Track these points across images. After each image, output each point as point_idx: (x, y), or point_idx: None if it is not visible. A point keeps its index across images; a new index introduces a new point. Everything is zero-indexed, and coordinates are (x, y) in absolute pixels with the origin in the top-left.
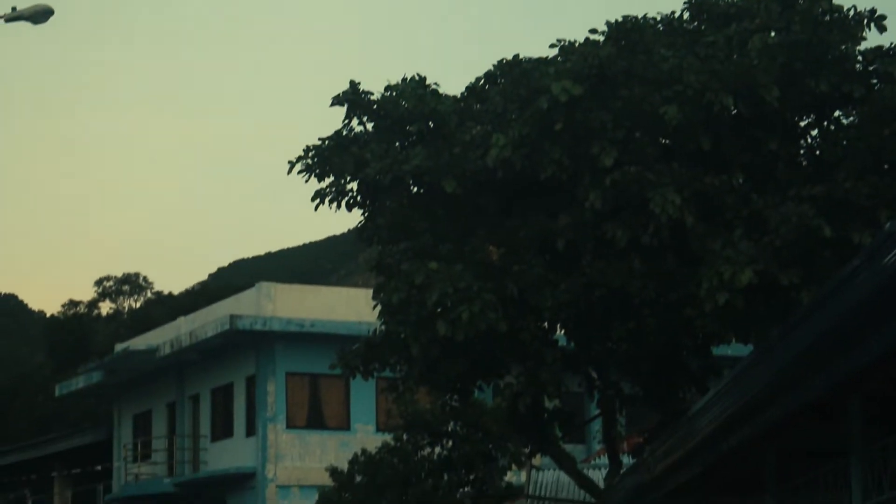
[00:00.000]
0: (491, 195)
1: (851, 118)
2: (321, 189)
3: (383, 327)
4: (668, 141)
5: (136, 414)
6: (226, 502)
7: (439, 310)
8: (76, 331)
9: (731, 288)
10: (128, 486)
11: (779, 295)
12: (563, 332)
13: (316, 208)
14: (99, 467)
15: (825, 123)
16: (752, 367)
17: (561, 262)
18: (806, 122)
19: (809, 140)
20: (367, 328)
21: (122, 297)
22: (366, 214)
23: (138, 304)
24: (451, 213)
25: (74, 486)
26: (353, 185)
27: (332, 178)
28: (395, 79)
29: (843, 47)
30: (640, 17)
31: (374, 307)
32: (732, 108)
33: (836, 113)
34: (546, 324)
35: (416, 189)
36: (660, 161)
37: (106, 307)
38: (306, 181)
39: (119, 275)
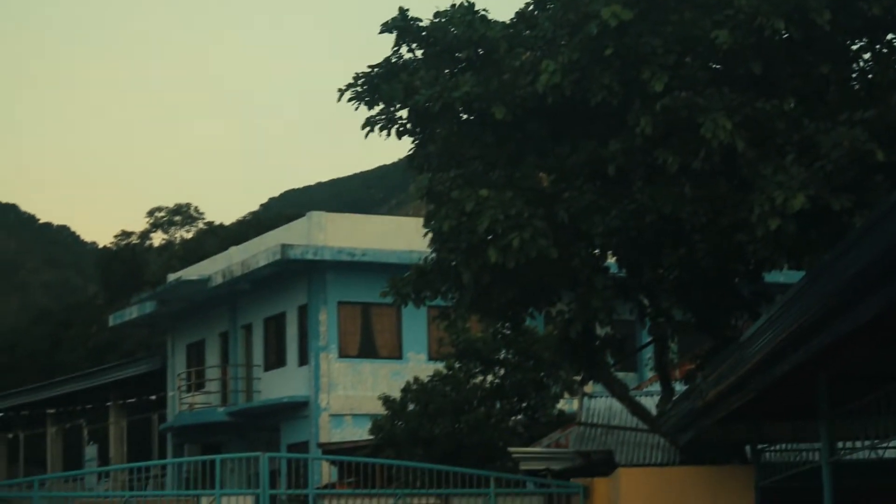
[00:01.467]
0: (541, 121)
1: None
2: (371, 117)
3: (434, 255)
4: (718, 66)
5: (189, 344)
6: (279, 431)
7: (490, 237)
8: (129, 261)
9: (783, 213)
10: (182, 416)
11: (831, 220)
12: (614, 258)
13: (366, 136)
14: (153, 397)
15: (877, 47)
16: (803, 292)
17: (612, 188)
18: (858, 45)
19: (861, 64)
20: (418, 257)
21: (173, 228)
22: (416, 142)
23: (190, 235)
24: (501, 140)
25: (129, 416)
26: (403, 113)
27: (381, 106)
28: (444, 6)
29: None
30: None
31: (425, 235)
32: (783, 31)
33: (889, 36)
34: (597, 250)
35: (465, 116)
36: (710, 86)
37: (158, 238)
38: (356, 109)
39: (171, 205)
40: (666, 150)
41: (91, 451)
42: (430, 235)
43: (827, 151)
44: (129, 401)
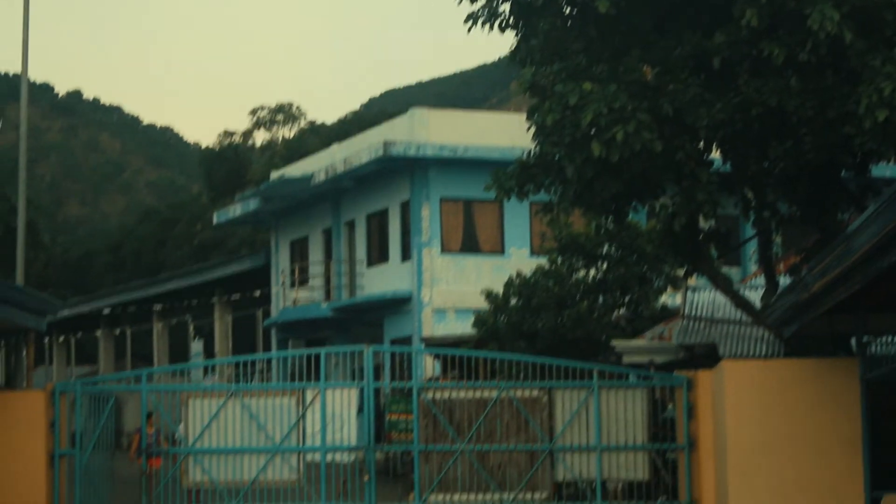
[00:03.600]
0: (645, 14)
1: None
2: (473, 11)
3: (537, 149)
4: None
5: (292, 240)
6: (383, 326)
7: (594, 130)
8: (232, 160)
9: (891, 104)
10: (286, 311)
11: None
12: (718, 151)
13: (469, 30)
14: (257, 293)
15: None
16: None
17: (717, 81)
18: None
19: None
20: (520, 153)
21: (276, 127)
22: (518, 36)
23: (292, 134)
24: (605, 33)
25: (234, 312)
26: (506, 7)
27: (484, 1)
28: None
29: None
30: None
31: (528, 129)
32: None
33: None
34: (702, 143)
35: (569, 9)
36: None
37: (260, 137)
38: (459, 4)
39: (273, 105)
40: (772, 41)
41: (196, 346)
42: (532, 129)
43: None
44: (234, 297)
